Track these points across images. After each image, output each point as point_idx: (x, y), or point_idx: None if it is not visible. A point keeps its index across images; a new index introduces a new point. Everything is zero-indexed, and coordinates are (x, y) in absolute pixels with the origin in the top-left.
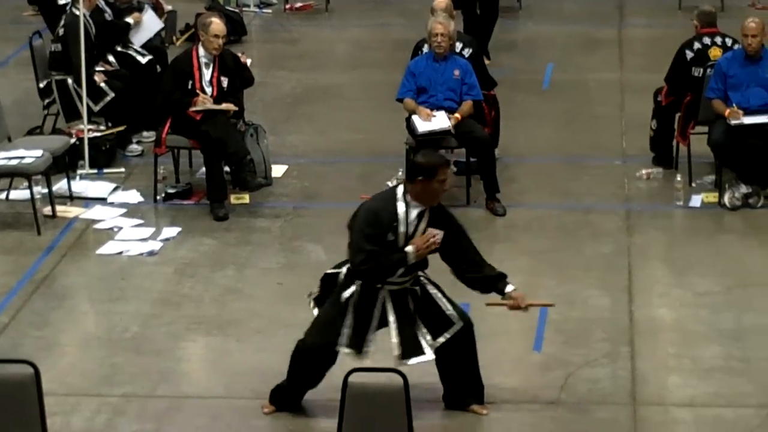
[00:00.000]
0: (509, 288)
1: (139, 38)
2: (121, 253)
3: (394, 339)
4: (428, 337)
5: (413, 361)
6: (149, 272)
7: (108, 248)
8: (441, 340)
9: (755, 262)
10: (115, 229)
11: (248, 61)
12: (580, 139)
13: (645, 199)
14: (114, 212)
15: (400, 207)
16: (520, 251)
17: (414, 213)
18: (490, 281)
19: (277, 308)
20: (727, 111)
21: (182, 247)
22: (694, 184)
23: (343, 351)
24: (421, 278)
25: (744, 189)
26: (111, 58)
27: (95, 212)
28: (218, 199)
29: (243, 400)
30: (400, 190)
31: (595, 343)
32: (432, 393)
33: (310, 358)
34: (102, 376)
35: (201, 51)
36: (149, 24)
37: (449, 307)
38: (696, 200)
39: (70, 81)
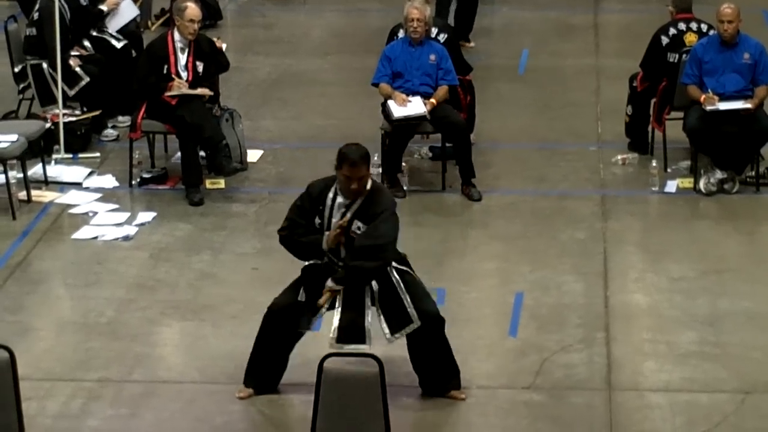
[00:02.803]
0: (329, 283)
1: (114, 24)
2: (96, 237)
3: (335, 323)
4: (386, 331)
5: (350, 347)
6: (124, 257)
7: (83, 233)
8: (397, 336)
9: (730, 247)
10: (90, 214)
11: (223, 46)
12: (556, 124)
13: (620, 184)
14: (89, 197)
15: (330, 193)
16: (495, 236)
17: (339, 200)
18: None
19: (252, 293)
20: (703, 97)
21: (157, 232)
22: (669, 170)
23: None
24: (390, 270)
25: (719, 174)
26: (86, 43)
27: (70, 197)
28: (194, 184)
29: (218, 384)
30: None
31: (571, 329)
32: (408, 378)
33: (275, 320)
34: (77, 361)
35: (176, 36)
36: (125, 10)
37: (410, 303)
38: (671, 186)
39: (45, 65)
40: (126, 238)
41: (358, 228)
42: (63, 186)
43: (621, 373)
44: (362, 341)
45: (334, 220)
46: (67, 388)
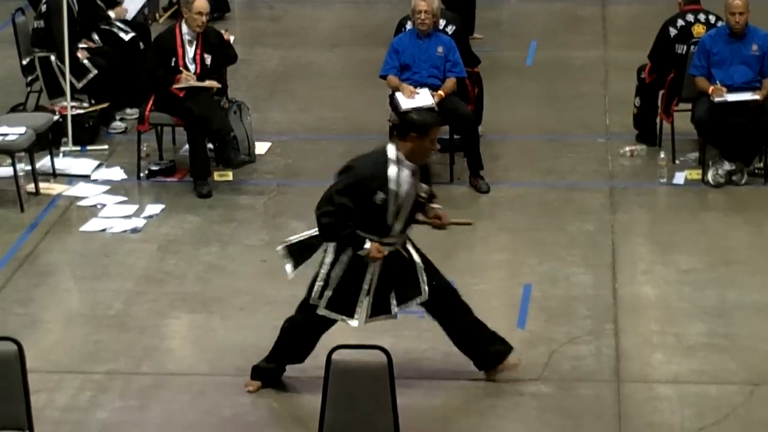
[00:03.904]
0: (434, 206)
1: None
2: (104, 230)
3: (365, 301)
4: (393, 302)
5: (378, 318)
6: (133, 249)
7: (91, 225)
8: (403, 308)
9: (738, 239)
10: (99, 206)
11: (231, 39)
12: (564, 116)
13: (628, 176)
14: (97, 189)
15: (391, 170)
16: (503, 228)
17: (406, 172)
18: None
19: (260, 285)
20: (711, 88)
21: (166, 224)
22: (677, 162)
23: (327, 314)
24: (408, 243)
25: (727, 166)
26: (94, 36)
27: (78, 189)
28: (202, 176)
29: (227, 377)
30: (391, 150)
31: (579, 321)
32: (416, 370)
33: (305, 322)
34: (86, 353)
35: (184, 28)
36: (133, 1)
37: (425, 279)
38: (679, 177)
39: (53, 58)
40: (134, 230)
41: (424, 192)
42: (71, 178)
43: (629, 365)
44: (388, 312)
45: (404, 189)
46: (76, 380)
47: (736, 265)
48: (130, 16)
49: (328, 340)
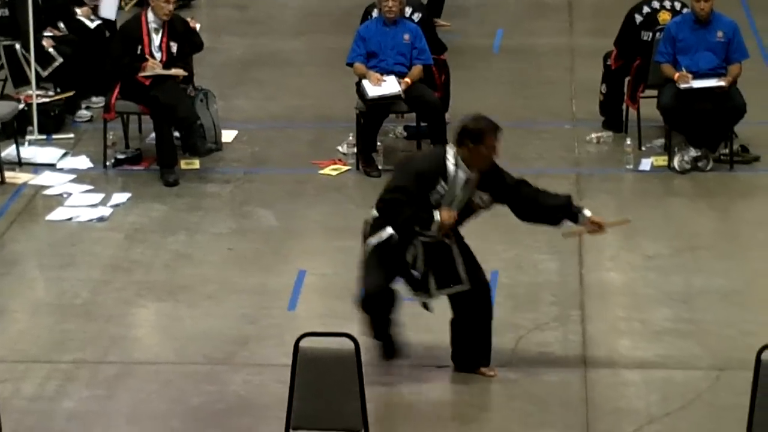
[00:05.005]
0: (587, 213)
1: (108, 11)
2: (70, 219)
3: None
4: (433, 286)
5: (450, 290)
6: (99, 238)
7: (57, 214)
8: (442, 293)
9: (704, 224)
10: (65, 195)
11: (197, 26)
12: (530, 103)
13: (595, 162)
14: (63, 178)
15: (450, 166)
16: None
17: (461, 175)
18: (559, 211)
19: (227, 273)
20: (677, 75)
21: (132, 213)
22: (643, 148)
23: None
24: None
25: (693, 152)
26: (60, 24)
27: (44, 178)
28: (168, 165)
29: (194, 365)
30: (450, 152)
31: (545, 307)
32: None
33: (376, 303)
34: (52, 343)
35: (150, 16)
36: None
37: (463, 268)
38: (645, 164)
39: (18, 46)
40: (101, 219)
41: (480, 198)
42: (37, 167)
43: (596, 351)
44: (459, 282)
45: (457, 191)
46: (43, 369)
47: (702, 250)
48: (110, 15)
49: (294, 328)
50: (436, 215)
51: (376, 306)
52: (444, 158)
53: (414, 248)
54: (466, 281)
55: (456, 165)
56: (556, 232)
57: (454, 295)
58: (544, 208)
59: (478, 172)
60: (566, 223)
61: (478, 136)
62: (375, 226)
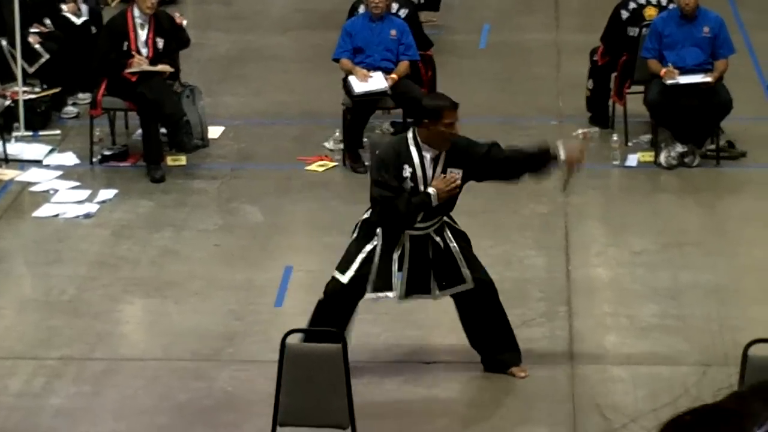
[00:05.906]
0: (562, 155)
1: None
2: (57, 215)
3: (399, 279)
4: (434, 285)
5: (414, 298)
6: (86, 234)
7: (44, 211)
8: (446, 292)
9: (691, 220)
10: (51, 192)
11: (184, 22)
12: (517, 99)
13: None
14: (50, 174)
15: (413, 150)
16: (456, 211)
17: (428, 156)
18: (535, 158)
19: (214, 270)
20: (663, 70)
21: (119, 209)
22: (630, 144)
23: (372, 296)
24: (446, 229)
25: (680, 148)
26: (46, 20)
27: (31, 175)
28: (155, 161)
29: (181, 361)
30: (410, 134)
31: (533, 303)
32: (370, 353)
33: (339, 297)
34: (39, 339)
35: (136, 12)
36: None
37: (465, 265)
38: (632, 159)
39: (4, 43)
40: (87, 215)
41: (455, 176)
42: (23, 164)
43: (583, 347)
44: (427, 292)
45: (429, 173)
46: (29, 366)
47: (688, 246)
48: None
49: (281, 325)
50: (431, 190)
51: (338, 303)
52: (406, 142)
53: (401, 246)
54: (469, 280)
55: (417, 146)
56: (545, 229)
57: (459, 296)
58: (520, 161)
59: (443, 149)
60: (550, 170)
61: (436, 113)
62: (365, 225)
